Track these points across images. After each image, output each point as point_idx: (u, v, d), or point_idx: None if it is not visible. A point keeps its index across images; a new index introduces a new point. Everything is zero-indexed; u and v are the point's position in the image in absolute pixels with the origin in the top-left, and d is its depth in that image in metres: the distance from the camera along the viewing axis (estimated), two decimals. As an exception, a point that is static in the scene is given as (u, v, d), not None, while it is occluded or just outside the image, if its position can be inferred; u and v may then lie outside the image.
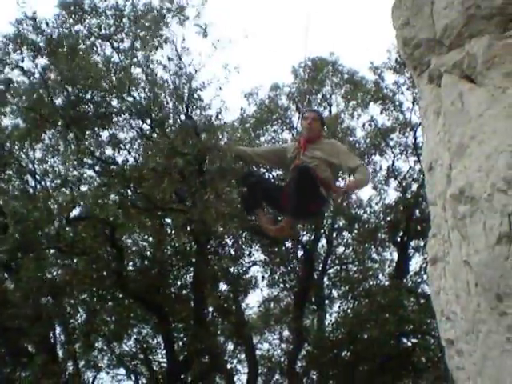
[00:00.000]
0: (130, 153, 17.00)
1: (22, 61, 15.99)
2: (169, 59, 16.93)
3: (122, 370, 20.68)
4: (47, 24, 16.03)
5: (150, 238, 18.53)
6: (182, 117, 16.90)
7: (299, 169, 6.72)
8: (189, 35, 17.12)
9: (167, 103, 16.58)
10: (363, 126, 20.39)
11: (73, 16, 16.41)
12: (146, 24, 16.54)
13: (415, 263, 21.06)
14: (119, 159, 16.89)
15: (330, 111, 20.16)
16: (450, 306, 3.09)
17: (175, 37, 16.86)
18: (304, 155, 6.98)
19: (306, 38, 7.84)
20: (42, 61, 16.13)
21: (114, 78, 16.07)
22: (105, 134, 16.94)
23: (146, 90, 16.68)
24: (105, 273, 16.72)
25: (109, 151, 16.95)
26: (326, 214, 17.62)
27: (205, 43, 16.95)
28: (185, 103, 16.80)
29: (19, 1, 15.56)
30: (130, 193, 16.22)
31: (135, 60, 16.80)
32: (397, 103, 20.03)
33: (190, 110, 16.88)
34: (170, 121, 16.69)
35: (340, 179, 15.15)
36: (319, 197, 6.89)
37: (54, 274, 17.67)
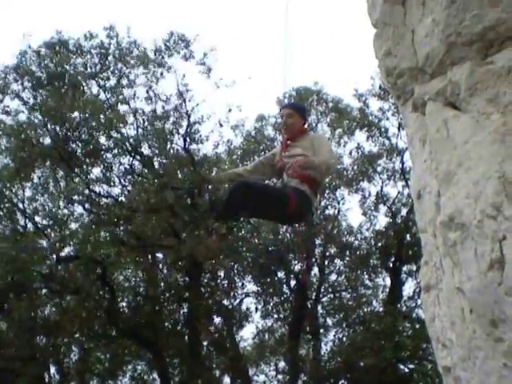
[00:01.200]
0: (124, 186, 17.06)
1: (23, 91, 16.17)
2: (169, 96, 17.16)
3: (118, 408, 20.45)
4: (51, 60, 16.24)
5: (143, 275, 18.46)
6: (177, 150, 17.05)
7: (233, 185, 6.32)
8: (189, 71, 17.43)
9: (162, 136, 16.67)
10: (350, 153, 20.50)
11: (57, 55, 16.53)
12: (131, 62, 16.71)
13: (408, 288, 21.04)
14: (109, 196, 16.95)
15: (317, 140, 20.23)
16: (446, 333, 3.08)
17: (177, 72, 17.09)
18: (285, 155, 6.48)
19: (285, 69, 7.58)
20: (40, 95, 16.29)
21: (101, 116, 16.14)
22: (94, 171, 17.03)
23: (135, 125, 16.81)
24: (96, 311, 16.61)
25: (98, 188, 17.03)
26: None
27: (204, 80, 17.15)
28: (182, 137, 16.96)
29: (25, 33, 15.85)
30: (120, 230, 16.20)
31: (121, 97, 16.92)
32: (382, 129, 20.17)
33: (187, 143, 17.04)
34: (162, 155, 16.77)
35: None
36: (283, 200, 6.12)
37: (47, 313, 17.57)
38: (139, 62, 16.81)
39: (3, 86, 16.08)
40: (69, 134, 16.12)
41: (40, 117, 16.10)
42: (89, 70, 16.95)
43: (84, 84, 16.96)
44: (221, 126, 17.28)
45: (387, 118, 19.92)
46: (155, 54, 16.97)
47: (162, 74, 17.09)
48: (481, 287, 2.56)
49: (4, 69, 16.03)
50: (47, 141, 16.22)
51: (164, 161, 16.74)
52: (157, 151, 16.80)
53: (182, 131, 17.12)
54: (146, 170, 16.90)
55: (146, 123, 16.91)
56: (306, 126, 6.88)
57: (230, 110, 17.32)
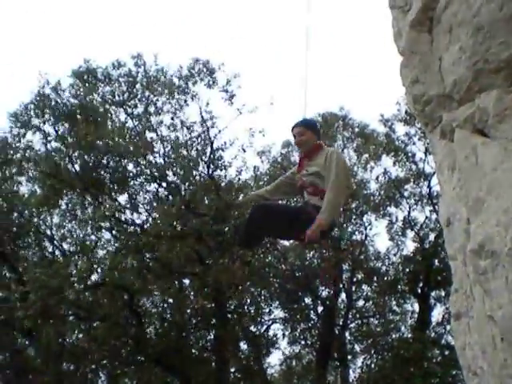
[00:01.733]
0: (149, 214, 17.17)
1: (44, 124, 16.38)
2: (193, 122, 17.32)
3: None
4: (70, 93, 16.48)
5: (170, 300, 18.48)
6: (202, 177, 17.15)
7: (252, 208, 6.28)
8: (213, 97, 17.57)
9: (187, 163, 16.78)
10: (377, 178, 20.46)
11: (86, 84, 16.77)
12: (156, 87, 16.92)
13: (437, 314, 20.85)
14: (137, 222, 17.08)
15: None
16: (477, 361, 3.05)
17: (200, 99, 17.23)
18: (302, 174, 6.39)
19: (305, 97, 7.46)
20: (62, 127, 16.52)
21: (129, 143, 16.32)
22: (122, 198, 17.19)
23: (162, 152, 16.96)
24: (124, 338, 16.63)
25: (126, 215, 17.17)
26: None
27: (227, 106, 17.28)
28: (206, 163, 17.07)
29: (41, 71, 16.13)
30: (146, 257, 16.26)
31: (149, 124, 17.10)
32: (409, 154, 20.12)
33: (210, 169, 17.15)
34: (188, 182, 16.88)
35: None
36: (304, 219, 6.02)
37: (74, 339, 17.64)
38: (166, 89, 17.01)
39: (25, 121, 16.34)
40: (96, 161, 16.29)
41: (65, 146, 16.29)
42: (117, 97, 17.16)
43: (112, 112, 17.18)
44: (244, 151, 17.38)
45: (414, 143, 19.90)
46: (179, 81, 17.17)
47: (185, 101, 17.27)
48: (512, 315, 2.54)
49: (25, 106, 16.29)
50: (76, 168, 16.42)
51: (190, 187, 16.83)
52: (182, 178, 16.90)
53: (205, 158, 17.24)
54: (171, 197, 16.99)
55: (171, 151, 17.05)
56: (319, 141, 6.66)
57: (252, 135, 17.43)
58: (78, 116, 16.33)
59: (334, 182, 6.03)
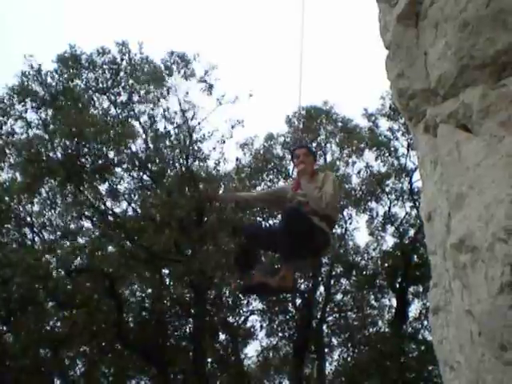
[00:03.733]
0: (129, 204, 17.10)
1: (26, 112, 16.20)
2: (174, 113, 17.26)
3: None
4: (52, 77, 16.31)
5: (149, 290, 18.43)
6: (182, 168, 17.11)
7: (287, 209, 6.39)
8: (193, 89, 17.54)
9: (168, 154, 16.74)
10: (359, 172, 20.49)
11: (70, 70, 16.64)
12: (140, 76, 16.85)
13: (415, 309, 20.94)
14: (118, 210, 17.00)
15: (325, 159, 20.27)
16: (454, 355, 3.07)
17: (179, 90, 17.20)
18: (298, 193, 6.60)
19: (300, 86, 7.55)
20: (44, 113, 16.36)
21: (111, 131, 16.23)
22: (104, 186, 17.10)
23: (144, 142, 16.91)
24: (104, 325, 16.57)
25: (108, 203, 17.09)
26: (324, 259, 17.61)
27: (207, 98, 17.27)
28: (185, 154, 17.01)
29: (26, 54, 15.95)
30: (129, 244, 16.21)
31: (132, 113, 17.03)
32: (392, 149, 20.15)
33: (189, 161, 17.09)
34: (169, 172, 16.84)
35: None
36: (316, 234, 6.30)
37: (53, 325, 17.55)
38: (149, 79, 16.94)
39: (6, 108, 16.15)
40: (78, 149, 16.18)
41: (47, 133, 16.15)
42: (100, 85, 17.06)
43: (95, 99, 17.07)
44: (223, 142, 17.34)
45: (397, 138, 19.94)
46: (154, 74, 17.13)
47: (161, 94, 17.22)
48: (491, 310, 2.55)
49: (8, 91, 16.11)
50: (58, 155, 16.29)
51: (169, 179, 16.81)
52: (161, 169, 16.87)
53: (185, 149, 17.19)
54: (154, 186, 16.95)
55: (151, 141, 17.01)
56: (316, 166, 7.08)
57: (232, 127, 17.40)
58: (61, 102, 16.19)
59: (330, 192, 6.31)
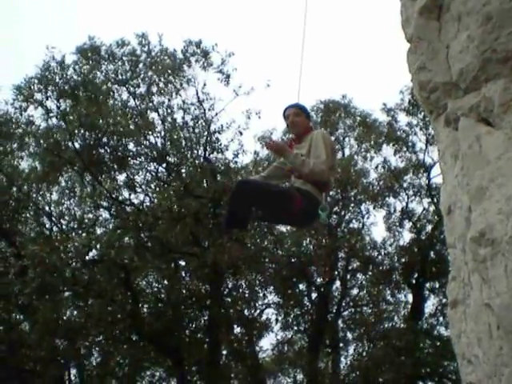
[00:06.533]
0: (146, 195, 17.18)
1: (47, 99, 16.31)
2: (191, 104, 17.28)
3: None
4: (74, 69, 16.41)
5: (165, 281, 18.51)
6: (200, 159, 17.13)
7: (235, 185, 6.22)
8: (210, 79, 17.53)
9: (185, 146, 16.78)
10: (376, 167, 20.45)
11: (90, 62, 16.72)
12: (160, 68, 16.88)
13: (431, 305, 20.89)
14: (135, 201, 17.08)
15: (343, 154, 20.23)
16: (472, 349, 3.07)
17: (197, 81, 17.21)
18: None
19: (299, 84, 7.24)
20: (64, 104, 16.47)
21: (130, 123, 16.30)
22: (121, 177, 17.18)
23: (162, 134, 16.95)
24: (119, 315, 16.66)
25: (125, 194, 17.18)
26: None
27: (224, 88, 17.25)
28: (203, 146, 17.04)
29: (48, 45, 16.06)
30: (145, 236, 16.27)
31: (151, 105, 17.08)
32: (410, 144, 20.09)
33: (207, 152, 17.12)
34: (187, 163, 16.87)
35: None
36: (288, 197, 5.97)
37: (70, 316, 17.68)
38: (167, 71, 16.97)
39: (28, 95, 16.25)
40: (97, 139, 16.27)
41: (66, 124, 16.25)
42: (119, 76, 17.13)
43: (114, 90, 17.14)
44: (241, 134, 17.33)
45: (415, 133, 19.87)
46: (174, 65, 17.16)
47: (181, 84, 17.23)
48: (510, 303, 2.55)
49: (28, 79, 16.21)
50: (77, 146, 16.40)
51: (188, 169, 16.83)
52: (181, 160, 16.90)
53: (202, 140, 17.22)
54: (170, 178, 17.00)
55: (169, 132, 17.05)
56: (310, 124, 6.73)
57: (249, 117, 17.37)
58: (81, 93, 16.29)
59: (314, 160, 6.00)
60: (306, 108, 6.93)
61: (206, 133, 17.26)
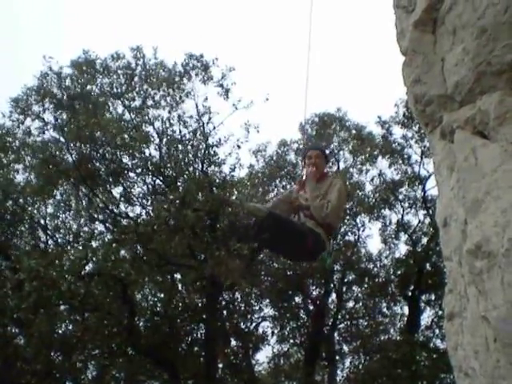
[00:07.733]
0: (144, 207, 17.16)
1: (44, 112, 16.31)
2: (190, 117, 17.31)
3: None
4: (72, 80, 16.44)
5: (161, 295, 18.46)
6: (197, 172, 17.15)
7: (267, 214, 6.31)
8: (209, 93, 17.59)
9: (183, 159, 16.80)
10: (372, 180, 20.50)
11: (85, 75, 16.75)
12: (155, 81, 16.91)
13: (427, 317, 20.89)
14: (131, 214, 17.06)
15: (338, 167, 20.27)
16: (469, 361, 3.06)
17: (196, 94, 17.25)
18: (301, 195, 6.61)
19: (306, 97, 7.37)
20: (60, 116, 16.47)
21: (125, 136, 16.30)
22: (117, 190, 17.18)
23: (157, 147, 16.97)
24: (116, 329, 16.59)
25: (121, 207, 17.15)
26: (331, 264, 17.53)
27: (223, 102, 17.32)
28: (200, 159, 17.06)
29: (46, 55, 16.08)
30: (141, 249, 16.24)
31: (146, 118, 17.10)
32: (405, 157, 20.13)
33: (205, 165, 17.14)
34: (184, 176, 16.89)
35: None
36: (304, 237, 6.23)
37: (65, 329, 17.60)
38: (163, 84, 17.00)
39: (25, 107, 16.26)
40: (93, 152, 16.26)
41: (63, 136, 16.25)
42: (115, 89, 17.14)
43: (110, 104, 17.15)
44: (238, 147, 17.38)
45: (410, 146, 19.94)
46: (174, 78, 17.18)
47: (180, 97, 17.27)
48: (507, 316, 2.55)
49: (26, 90, 16.22)
50: (72, 159, 16.37)
51: (185, 183, 16.83)
52: (176, 173, 16.90)
53: (200, 154, 17.25)
54: (167, 191, 16.99)
55: (166, 146, 17.06)
56: (326, 170, 7.05)
57: (247, 131, 17.43)
58: (77, 106, 16.29)
59: (333, 204, 6.30)
60: (327, 154, 7.41)
61: (203, 146, 17.29)
